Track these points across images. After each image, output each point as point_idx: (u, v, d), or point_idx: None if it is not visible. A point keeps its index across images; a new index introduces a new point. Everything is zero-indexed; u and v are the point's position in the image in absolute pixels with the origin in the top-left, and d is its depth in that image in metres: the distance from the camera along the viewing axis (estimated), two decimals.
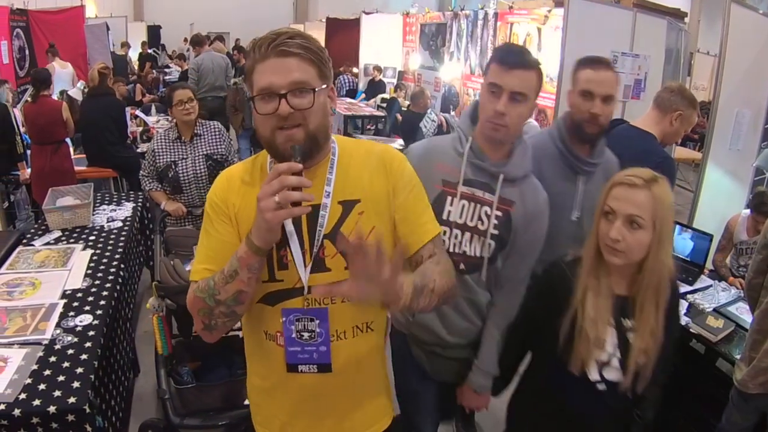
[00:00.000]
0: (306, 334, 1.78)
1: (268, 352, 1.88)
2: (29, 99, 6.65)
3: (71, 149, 6.94)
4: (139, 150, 7.64)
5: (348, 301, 1.76)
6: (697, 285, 4.16)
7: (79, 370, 2.78)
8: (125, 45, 15.91)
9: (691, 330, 3.59)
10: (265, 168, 1.82)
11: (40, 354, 2.89)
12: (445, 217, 2.41)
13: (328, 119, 1.76)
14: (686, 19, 14.32)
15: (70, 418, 2.55)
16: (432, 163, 2.43)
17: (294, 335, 1.79)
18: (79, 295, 3.51)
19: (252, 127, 7.86)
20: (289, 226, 1.73)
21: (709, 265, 4.52)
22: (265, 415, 2.02)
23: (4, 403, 2.52)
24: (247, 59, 1.72)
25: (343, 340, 1.82)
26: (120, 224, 4.69)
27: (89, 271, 3.82)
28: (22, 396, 2.57)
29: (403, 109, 10.07)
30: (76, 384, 2.68)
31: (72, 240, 4.32)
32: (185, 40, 21.17)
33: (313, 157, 1.73)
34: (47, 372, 2.75)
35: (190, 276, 1.83)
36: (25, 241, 4.26)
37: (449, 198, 2.42)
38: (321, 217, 1.74)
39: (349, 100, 13.95)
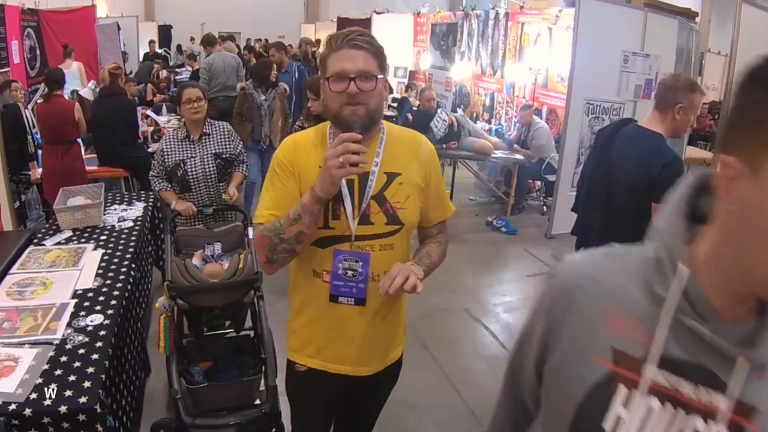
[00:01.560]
0: (350, 272, 2.20)
1: (313, 287, 2.27)
2: (41, 98, 6.67)
3: (82, 149, 6.96)
4: (150, 150, 7.63)
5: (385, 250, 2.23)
6: None
7: (90, 369, 2.78)
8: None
9: None
10: (326, 136, 2.24)
11: (51, 354, 2.89)
12: (608, 427, 1.14)
13: (383, 104, 2.25)
14: (697, 19, 14.28)
15: (81, 417, 2.54)
16: (595, 306, 1.20)
17: (341, 272, 2.19)
18: (90, 294, 3.51)
19: (261, 138, 7.48)
20: (344, 188, 2.14)
21: None
22: (301, 343, 2.41)
23: (15, 402, 2.52)
24: (324, 49, 2.16)
25: (375, 282, 2.19)
26: (131, 224, 4.69)
27: (100, 271, 3.82)
28: (33, 396, 2.57)
29: (413, 108, 10.05)
30: (87, 384, 2.67)
31: (83, 240, 4.32)
32: (191, 39, 21.22)
33: (369, 130, 2.13)
34: (58, 372, 2.75)
35: (255, 219, 2.25)
36: (36, 240, 4.26)
37: (622, 390, 1.15)
38: (370, 181, 2.17)
39: None
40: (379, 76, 2.10)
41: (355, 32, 2.08)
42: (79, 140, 6.81)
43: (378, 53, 2.10)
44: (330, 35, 2.15)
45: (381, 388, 2.62)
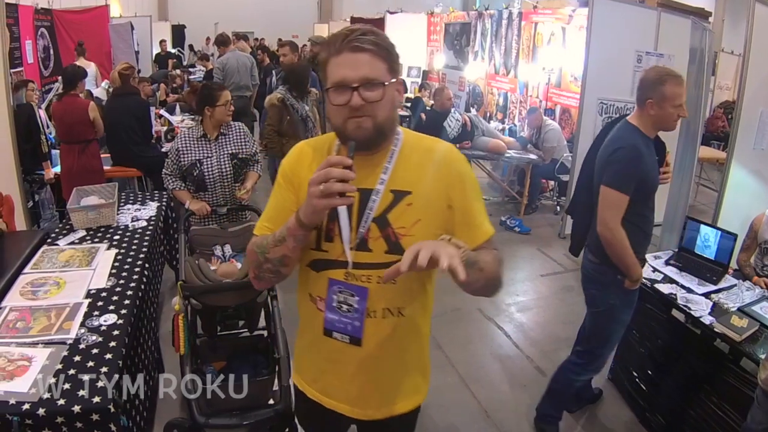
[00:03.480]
0: (345, 307, 1.94)
1: (310, 311, 2.06)
2: (55, 97, 6.67)
3: None
4: (163, 149, 7.65)
5: (389, 282, 1.86)
6: (722, 284, 4.14)
7: (104, 369, 2.77)
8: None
9: (715, 329, 3.58)
10: (332, 146, 1.96)
11: (65, 353, 2.89)
12: None
13: (396, 111, 1.90)
14: (710, 19, 14.17)
15: (95, 417, 2.54)
16: None
17: (335, 304, 1.95)
18: (104, 294, 3.51)
19: None
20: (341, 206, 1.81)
21: (733, 264, 4.48)
22: (301, 367, 2.26)
23: (28, 402, 2.52)
24: (322, 52, 1.85)
25: (372, 319, 1.95)
26: (144, 224, 4.69)
27: (114, 271, 3.82)
28: (47, 395, 2.57)
29: (427, 108, 10.04)
30: (100, 383, 2.67)
31: (96, 239, 4.33)
32: (207, 40, 21.25)
33: (378, 145, 1.88)
34: (72, 371, 2.75)
35: (255, 230, 2.03)
36: (49, 240, 4.27)
37: None
38: (372, 201, 1.87)
39: None
40: (388, 83, 1.79)
41: (357, 31, 1.76)
42: None
43: (386, 54, 1.79)
44: (331, 35, 1.86)
45: None
